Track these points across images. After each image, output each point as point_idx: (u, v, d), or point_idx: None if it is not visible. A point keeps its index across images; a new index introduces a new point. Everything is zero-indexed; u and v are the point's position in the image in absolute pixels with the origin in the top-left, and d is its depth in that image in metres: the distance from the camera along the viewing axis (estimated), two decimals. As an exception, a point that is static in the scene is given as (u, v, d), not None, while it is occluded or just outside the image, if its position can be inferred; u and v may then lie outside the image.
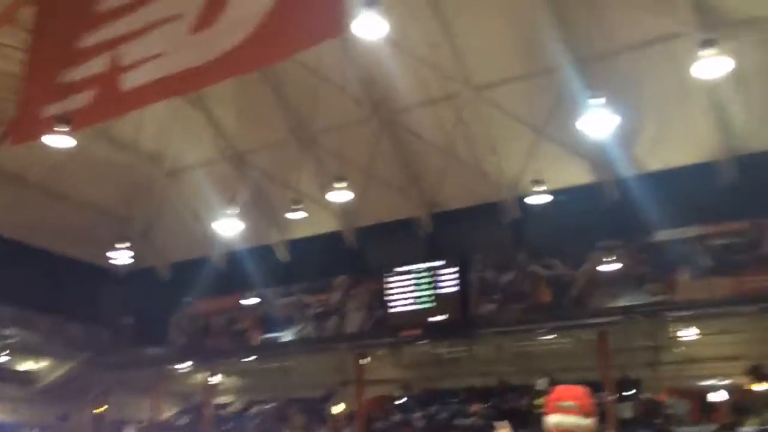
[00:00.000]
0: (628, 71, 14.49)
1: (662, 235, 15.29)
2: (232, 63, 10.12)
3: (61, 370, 24.92)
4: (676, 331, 16.72)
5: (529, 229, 17.85)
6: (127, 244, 18.69)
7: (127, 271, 23.67)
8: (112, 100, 11.23)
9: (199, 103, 19.25)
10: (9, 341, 22.00)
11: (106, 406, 25.26)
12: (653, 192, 15.05)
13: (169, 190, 21.72)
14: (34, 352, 23.79)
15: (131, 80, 11.01)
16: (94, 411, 25.43)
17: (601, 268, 15.90)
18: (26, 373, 24.71)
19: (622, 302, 15.80)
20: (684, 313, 15.09)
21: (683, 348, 17.08)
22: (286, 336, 21.26)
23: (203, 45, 10.24)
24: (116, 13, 11.51)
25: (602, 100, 11.59)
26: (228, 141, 20.02)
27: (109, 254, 18.96)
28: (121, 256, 18.81)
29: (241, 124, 19.22)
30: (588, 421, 2.17)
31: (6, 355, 22.86)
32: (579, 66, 14.35)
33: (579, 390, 2.30)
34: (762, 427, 13.68)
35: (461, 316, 17.93)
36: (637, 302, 15.54)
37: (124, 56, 11.17)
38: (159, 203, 22.10)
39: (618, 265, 15.70)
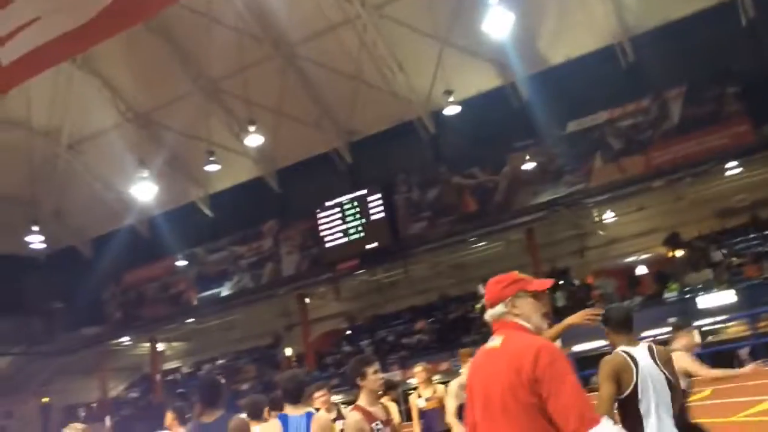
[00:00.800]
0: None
1: (572, 126, 15.84)
2: (113, 19, 9.60)
3: (-4, 367, 23.98)
4: (596, 216, 17.61)
5: (446, 141, 18.11)
6: (39, 228, 17.85)
7: (46, 254, 22.66)
8: (-6, 75, 10.55)
9: (90, 68, 18.23)
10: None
11: (49, 397, 24.60)
12: (559, 85, 15.51)
13: (74, 164, 20.70)
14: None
15: (11, 52, 10.33)
16: (40, 402, 24.69)
17: (521, 168, 16.40)
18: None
19: (544, 198, 16.38)
20: (601, 197, 15.86)
21: (605, 231, 18.04)
22: (224, 291, 21.09)
23: (79, 3, 9.66)
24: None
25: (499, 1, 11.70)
26: (127, 102, 19.14)
27: (25, 240, 18.05)
28: (36, 241, 17.94)
29: (139, 82, 18.36)
30: (493, 310, 2.26)
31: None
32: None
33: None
34: (683, 289, 14.72)
35: (393, 239, 18.23)
36: (558, 195, 16.14)
37: (0, 26, 10.45)
38: (65, 179, 21.05)
39: (535, 163, 16.22)
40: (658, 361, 3.01)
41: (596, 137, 15.62)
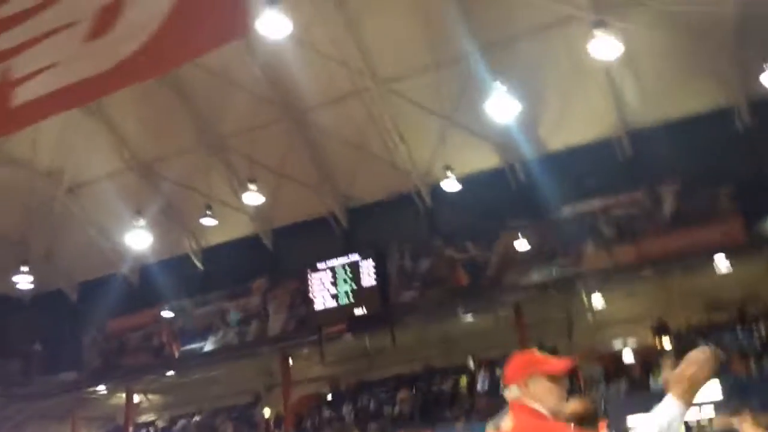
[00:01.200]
0: (528, 55, 15.27)
1: (567, 211, 16.22)
2: (130, 71, 9.91)
3: (-34, 408, 23.34)
4: (586, 300, 17.80)
5: (442, 215, 18.42)
6: (28, 268, 17.77)
7: (31, 296, 22.40)
8: (3, 117, 10.76)
9: (99, 113, 18.51)
10: None
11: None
12: (556, 171, 15.97)
13: (71, 207, 20.73)
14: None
15: (24, 94, 10.57)
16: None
17: (513, 246, 16.67)
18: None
19: (535, 278, 16.61)
20: (590, 282, 16.14)
21: (594, 314, 18.21)
22: (207, 346, 20.85)
23: (100, 53, 9.97)
24: (5, 24, 11.04)
25: (501, 85, 12.20)
26: (132, 150, 19.37)
27: (10, 280, 17.93)
28: (23, 281, 17.83)
29: (145, 132, 18.67)
30: (508, 391, 2.27)
31: None
32: (482, 53, 14.96)
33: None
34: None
35: (382, 307, 18.27)
36: (549, 277, 16.38)
37: (16, 69, 10.69)
38: (60, 222, 21.03)
39: (528, 243, 16.50)
40: None
41: (589, 223, 15.98)
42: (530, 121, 15.73)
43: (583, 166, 15.86)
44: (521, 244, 16.52)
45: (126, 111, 18.22)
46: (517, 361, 2.31)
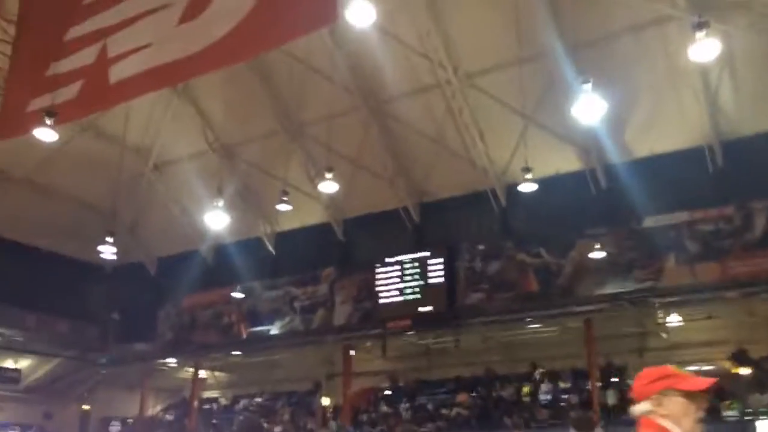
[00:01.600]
0: (620, 56, 14.64)
1: (650, 222, 15.43)
2: (220, 54, 10.06)
3: (46, 368, 24.70)
4: (662, 317, 16.94)
5: (516, 217, 17.98)
6: (113, 240, 18.54)
7: (113, 266, 23.49)
8: (99, 93, 11.15)
9: (187, 95, 19.20)
10: (-6, 339, 21.79)
11: (89, 406, 25.09)
12: (641, 178, 15.19)
13: (156, 184, 21.60)
14: (19, 350, 23.55)
15: (119, 72, 10.95)
16: (80, 408, 25.21)
17: (589, 255, 16.04)
18: (11, 370, 24.42)
19: (609, 289, 15.92)
20: (670, 299, 15.30)
21: (669, 334, 17.30)
22: (274, 329, 21.22)
23: (191, 35, 10.17)
24: (104, 4, 11.43)
25: (590, 86, 11.69)
26: (216, 133, 19.96)
27: (95, 249, 18.76)
28: (108, 252, 18.62)
29: (229, 115, 19.18)
30: (638, 406, 2.17)
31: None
32: (569, 51, 14.44)
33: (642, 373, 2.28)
34: (744, 411, 13.88)
35: (448, 306, 18.02)
36: (624, 289, 15.67)
37: (112, 48, 11.08)
38: (146, 197, 21.97)
39: (605, 253, 15.84)
40: None
41: (672, 237, 15.14)
42: (617, 124, 15.06)
43: (670, 175, 15.03)
44: (597, 254, 15.88)
45: (212, 94, 18.79)
46: (651, 374, 2.18)
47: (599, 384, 16.13)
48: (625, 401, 15.91)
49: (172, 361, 23.45)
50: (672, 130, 15.40)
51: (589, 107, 12.13)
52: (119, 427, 24.17)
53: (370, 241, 19.94)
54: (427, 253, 18.55)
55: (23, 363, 24.62)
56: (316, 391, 23.03)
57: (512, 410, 17.40)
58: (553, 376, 17.92)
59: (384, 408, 19.90)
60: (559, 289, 16.76)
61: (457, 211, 18.60)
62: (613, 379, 16.76)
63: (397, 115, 17.83)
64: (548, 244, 17.08)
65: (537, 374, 18.07)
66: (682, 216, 15.09)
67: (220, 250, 22.44)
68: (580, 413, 3.69)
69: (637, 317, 16.43)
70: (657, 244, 15.30)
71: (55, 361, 24.40)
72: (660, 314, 16.66)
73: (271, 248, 21.78)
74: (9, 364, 24.36)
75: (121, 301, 23.67)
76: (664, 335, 17.29)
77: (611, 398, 15.90)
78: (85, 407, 25.26)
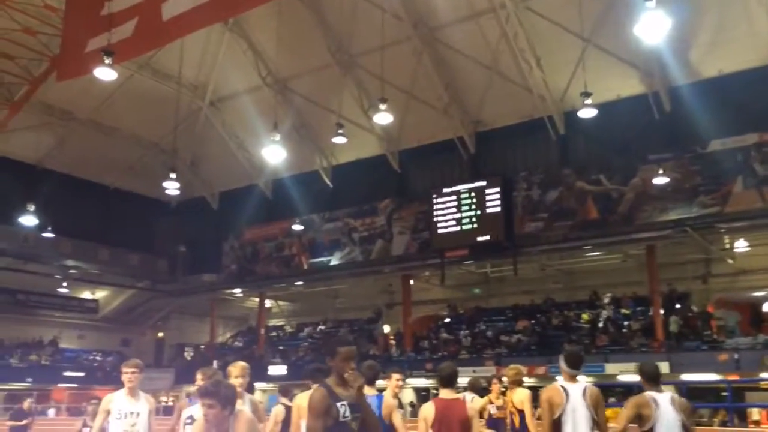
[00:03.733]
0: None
1: (716, 145, 14.81)
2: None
3: (121, 298, 26.16)
4: (728, 243, 16.49)
5: (575, 144, 17.54)
6: (175, 176, 19.05)
7: (178, 201, 24.33)
8: (153, 31, 11.24)
9: (239, 30, 19.14)
10: (71, 272, 23.07)
11: (162, 333, 26.54)
12: (707, 100, 14.51)
13: (214, 119, 21.91)
14: (95, 282, 24.96)
15: (171, 9, 10.97)
16: (155, 336, 26.74)
17: (652, 181, 15.59)
18: (89, 301, 25.98)
19: (673, 216, 15.52)
20: (737, 224, 14.83)
21: (735, 259, 16.87)
22: (333, 260, 21.70)
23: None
24: (156, -59, 11.35)
25: (653, 3, 11.02)
26: (269, 67, 19.94)
27: (161, 185, 19.35)
28: (171, 187, 19.19)
29: (282, 49, 19.03)
30: None
31: (65, 287, 24.06)
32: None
33: None
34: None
35: (506, 235, 17.95)
36: (689, 215, 15.25)
37: (165, -16, 11.10)
38: (204, 133, 22.36)
39: (668, 178, 15.36)
40: (676, 406, 3.53)
41: (740, 160, 14.52)
42: (681, 44, 14.27)
43: (739, 96, 14.27)
44: (661, 179, 15.42)
45: (264, 29, 18.65)
46: None
47: (662, 311, 15.98)
48: (688, 327, 15.79)
49: (237, 291, 24.40)
50: (740, 49, 14.49)
51: (652, 26, 11.48)
52: (192, 353, 25.53)
53: (426, 172, 19.88)
54: (484, 183, 18.40)
55: (100, 294, 26.12)
56: (377, 319, 23.65)
57: (572, 336, 17.49)
58: (614, 303, 17.84)
59: (444, 335, 20.31)
60: (620, 217, 16.43)
61: (514, 140, 18.26)
62: (676, 306, 16.59)
63: (450, 42, 17.36)
64: (609, 171, 16.67)
65: (605, 298, 17.93)
66: (751, 138, 14.42)
67: (278, 184, 22.83)
68: (573, 348, 3.85)
69: (701, 243, 15.98)
70: (723, 168, 14.73)
71: (129, 292, 25.78)
72: (726, 240, 16.20)
73: (328, 181, 22.00)
74: (87, 295, 25.90)
75: (186, 235, 24.58)
76: (730, 261, 16.86)
77: (674, 325, 15.76)
78: (160, 335, 26.76)
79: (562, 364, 3.67)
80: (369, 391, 3.79)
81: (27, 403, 9.77)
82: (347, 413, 2.73)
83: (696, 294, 17.29)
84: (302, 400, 4.07)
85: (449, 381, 3.72)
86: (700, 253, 16.81)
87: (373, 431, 2.89)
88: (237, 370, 3.99)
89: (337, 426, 2.70)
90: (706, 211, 14.99)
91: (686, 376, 13.74)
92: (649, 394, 3.55)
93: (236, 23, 18.83)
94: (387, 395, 3.98)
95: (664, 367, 14.27)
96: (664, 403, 3.49)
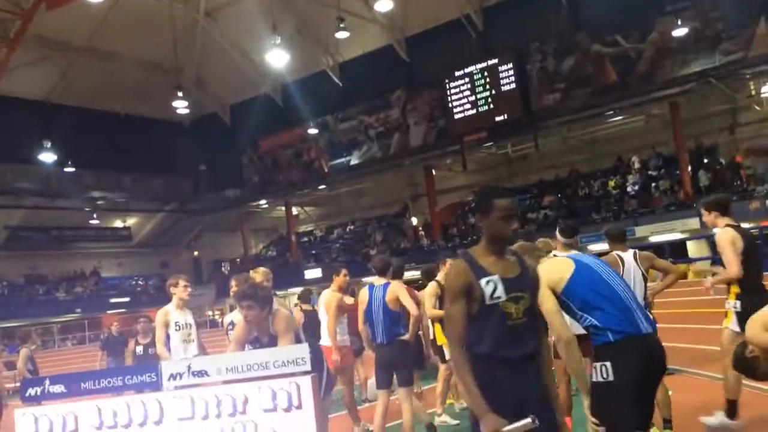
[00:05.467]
0: None
1: (737, -13, 14.04)
2: None
3: (152, 222, 26.59)
4: (754, 89, 15.95)
5: (587, 7, 16.77)
6: (183, 94, 18.78)
7: (190, 120, 24.15)
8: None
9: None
10: (97, 203, 23.38)
11: (197, 252, 27.12)
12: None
13: (212, 31, 21.30)
14: (123, 210, 25.33)
15: None
16: (191, 254, 27.35)
17: (670, 35, 14.94)
18: (122, 229, 26.48)
19: (694, 68, 15.00)
20: (763, 68, 14.27)
21: (763, 106, 16.37)
22: (353, 159, 21.61)
23: None
24: None
25: None
26: (261, -33, 19.08)
27: (170, 106, 19.15)
28: (181, 106, 18.98)
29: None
30: None
31: (96, 218, 24.47)
32: None
33: None
34: None
35: (524, 112, 17.60)
36: (711, 65, 14.70)
37: None
38: (204, 47, 21.82)
39: (687, 29, 14.70)
40: (638, 261, 3.73)
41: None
42: None
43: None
44: (680, 31, 14.75)
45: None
46: None
47: (689, 168, 15.74)
48: (717, 180, 15.57)
49: (262, 203, 24.60)
50: None
51: None
52: (229, 268, 26.13)
53: (436, 56, 19.26)
54: (495, 60, 17.86)
55: (130, 221, 26.58)
56: (404, 212, 23.81)
57: (600, 205, 17.44)
58: (639, 166, 17.60)
59: (472, 220, 20.39)
60: (640, 76, 15.92)
61: (523, 11, 17.49)
62: (704, 160, 16.32)
63: None
64: (625, 30, 16.00)
65: (634, 161, 17.61)
66: (774, -27, 13.59)
67: (287, 89, 22.44)
68: (566, 222, 3.89)
69: (726, 93, 15.49)
70: (746, 9, 13.99)
71: (158, 216, 26.17)
72: (751, 86, 15.66)
73: (336, 80, 21.55)
74: (118, 223, 26.37)
75: (204, 153, 24.55)
76: (757, 108, 16.37)
77: (704, 179, 15.57)
78: (195, 253, 27.36)
79: (558, 235, 3.76)
80: (378, 282, 4.09)
81: (114, 327, 9.59)
82: (498, 292, 1.97)
83: (723, 146, 16.96)
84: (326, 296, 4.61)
85: (382, 271, 4.08)
86: (725, 104, 16.33)
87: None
88: (260, 276, 4.08)
89: (484, 311, 1.96)
90: (730, 58, 14.43)
91: (717, 228, 13.67)
92: (616, 253, 3.74)
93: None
94: (394, 282, 4.13)
95: (694, 222, 14.22)
96: (629, 259, 3.72)
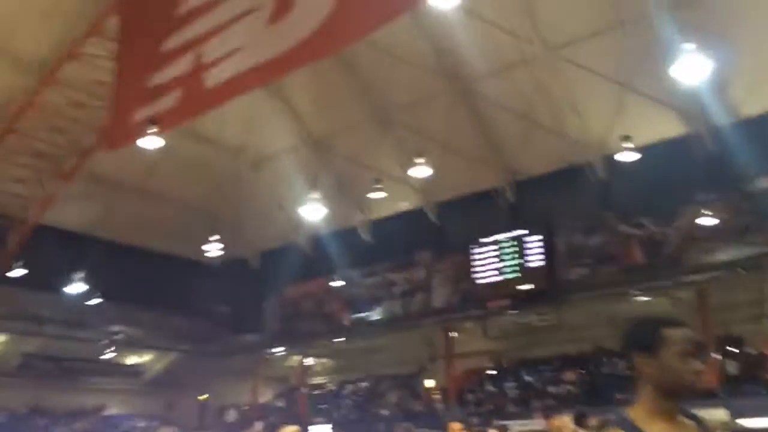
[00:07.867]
0: (721, 10, 13.83)
1: (763, 183, 14.63)
2: (310, 49, 10.21)
3: (165, 362, 26.20)
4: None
5: (616, 188, 17.45)
6: (218, 237, 19.33)
7: (219, 262, 24.58)
8: (197, 99, 11.62)
9: (278, 93, 19.67)
10: (115, 337, 23.25)
11: (207, 395, 26.40)
12: (751, 138, 14.39)
13: (255, 181, 22.27)
14: (139, 346, 25.08)
15: (214, 77, 11.36)
16: (199, 398, 26.60)
17: (698, 222, 15.38)
18: (133, 366, 26.06)
19: (722, 257, 15.25)
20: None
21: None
22: (374, 315, 21.60)
23: (281, 35, 10.40)
24: (196, 13, 11.84)
25: (692, 45, 11.16)
26: (307, 127, 20.37)
27: (202, 248, 19.65)
28: (213, 249, 19.45)
29: (319, 109, 19.53)
30: None
31: (113, 351, 24.21)
32: (666, 12, 13.78)
33: None
34: None
35: (549, 283, 17.76)
36: (739, 256, 14.96)
37: (206, 54, 11.51)
38: (245, 195, 22.67)
39: (716, 219, 15.15)
40: None
41: (789, 197, 14.32)
42: (721, 84, 14.25)
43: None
44: (707, 220, 15.19)
45: (301, 89, 19.16)
46: None
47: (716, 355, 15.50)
48: (746, 371, 15.26)
49: (280, 350, 24.30)
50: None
51: (690, 68, 11.60)
52: (235, 414, 25.30)
53: (465, 222, 19.86)
54: (525, 231, 18.33)
55: (146, 358, 26.22)
56: (420, 373, 23.31)
57: (623, 385, 17.01)
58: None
59: (489, 387, 19.90)
60: (667, 260, 16.18)
61: (554, 187, 18.22)
62: (730, 349, 16.09)
63: (486, 94, 17.61)
64: (652, 214, 16.52)
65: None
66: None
67: (317, 240, 23.00)
68: (580, 409, 3.87)
69: (753, 284, 15.60)
70: (772, 205, 14.49)
71: (173, 355, 25.83)
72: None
73: (366, 236, 22.10)
74: (132, 359, 26.02)
75: (228, 295, 24.71)
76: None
77: (732, 368, 15.27)
78: (203, 397, 26.65)
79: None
80: None
81: None
82: None
83: (749, 336, 16.77)
84: None
85: None
86: (752, 295, 16.38)
87: None
88: None
89: None
90: (758, 250, 14.70)
91: (746, 421, 13.23)
92: None
93: (275, 86, 19.38)
94: None
95: (721, 414, 13.74)
96: None
